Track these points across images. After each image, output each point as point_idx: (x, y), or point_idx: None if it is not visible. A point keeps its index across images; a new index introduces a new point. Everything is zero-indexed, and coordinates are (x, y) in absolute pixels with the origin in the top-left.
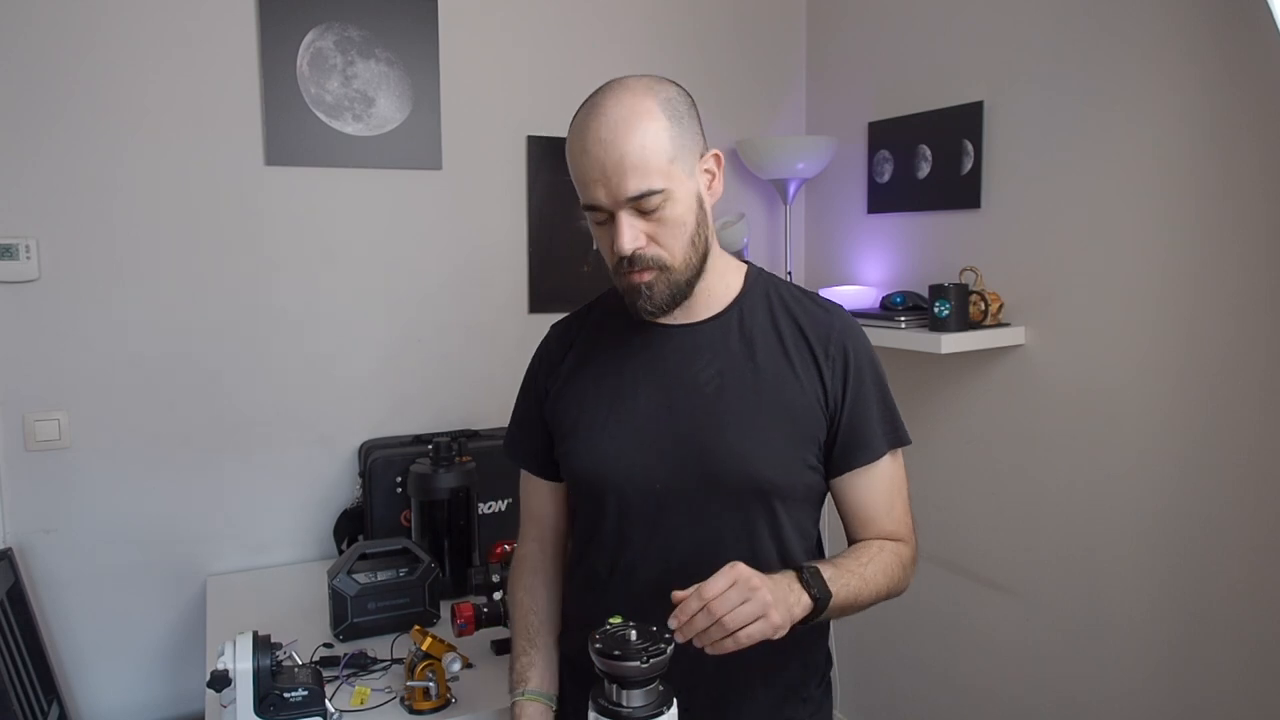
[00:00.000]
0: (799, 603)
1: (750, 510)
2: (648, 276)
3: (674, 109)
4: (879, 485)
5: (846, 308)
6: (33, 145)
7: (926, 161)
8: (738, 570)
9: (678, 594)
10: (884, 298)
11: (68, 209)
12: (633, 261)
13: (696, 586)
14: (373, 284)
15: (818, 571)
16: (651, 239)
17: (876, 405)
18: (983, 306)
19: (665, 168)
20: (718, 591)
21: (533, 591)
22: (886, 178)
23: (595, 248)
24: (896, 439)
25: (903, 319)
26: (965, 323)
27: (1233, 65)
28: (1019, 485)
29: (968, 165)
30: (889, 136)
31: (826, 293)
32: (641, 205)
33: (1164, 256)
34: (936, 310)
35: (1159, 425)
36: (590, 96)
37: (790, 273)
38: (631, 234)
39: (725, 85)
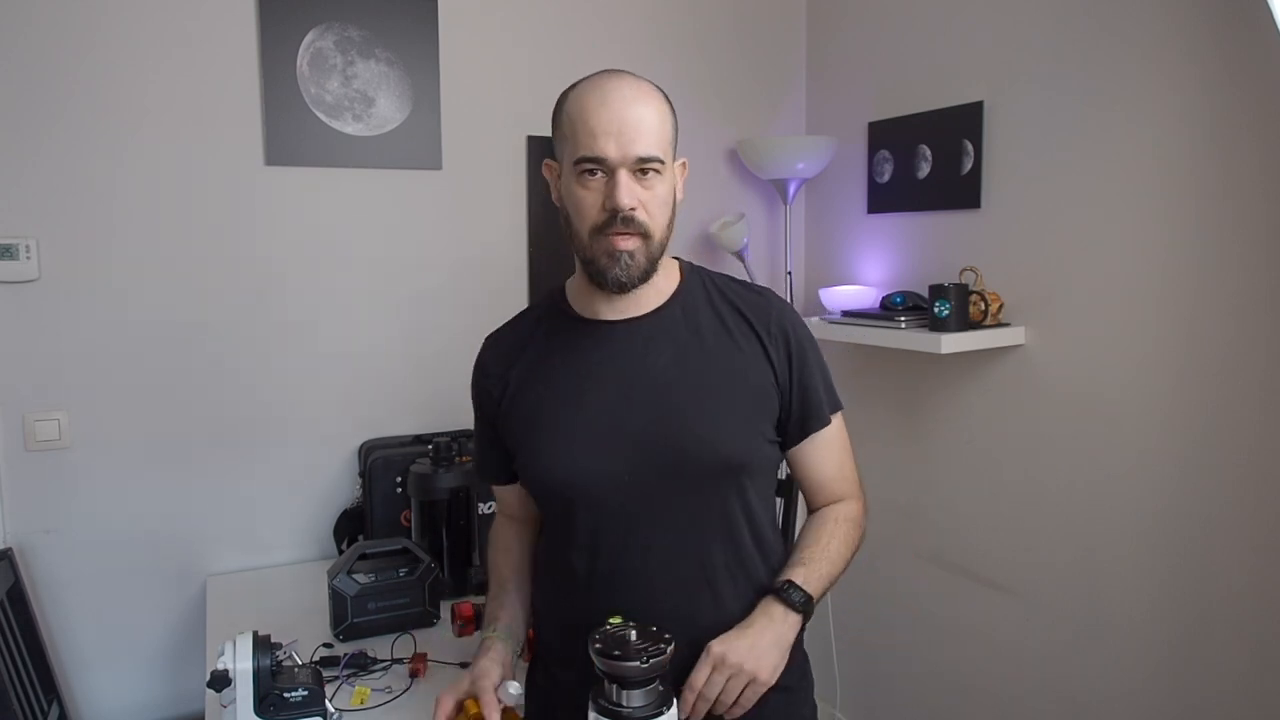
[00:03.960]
0: (787, 622)
1: (723, 490)
2: (633, 244)
3: (671, 106)
4: (831, 449)
5: (847, 308)
6: (33, 145)
7: (926, 161)
8: (713, 654)
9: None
10: (884, 298)
11: (68, 209)
12: (625, 221)
13: (688, 680)
14: (373, 284)
15: (793, 584)
16: (642, 205)
17: (818, 376)
18: (983, 306)
19: (666, 146)
20: (702, 680)
21: (506, 551)
22: (886, 178)
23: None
24: (836, 404)
25: (903, 319)
26: (965, 323)
27: (1233, 65)
28: (1019, 485)
29: (968, 165)
30: (889, 136)
31: (826, 293)
32: (644, 167)
33: (1164, 256)
34: (936, 310)
35: (1159, 425)
36: (595, 73)
37: (790, 273)
38: (630, 192)
39: (725, 85)
